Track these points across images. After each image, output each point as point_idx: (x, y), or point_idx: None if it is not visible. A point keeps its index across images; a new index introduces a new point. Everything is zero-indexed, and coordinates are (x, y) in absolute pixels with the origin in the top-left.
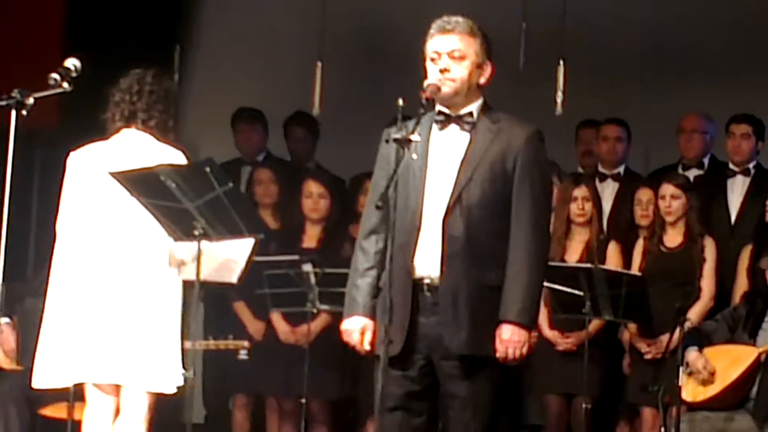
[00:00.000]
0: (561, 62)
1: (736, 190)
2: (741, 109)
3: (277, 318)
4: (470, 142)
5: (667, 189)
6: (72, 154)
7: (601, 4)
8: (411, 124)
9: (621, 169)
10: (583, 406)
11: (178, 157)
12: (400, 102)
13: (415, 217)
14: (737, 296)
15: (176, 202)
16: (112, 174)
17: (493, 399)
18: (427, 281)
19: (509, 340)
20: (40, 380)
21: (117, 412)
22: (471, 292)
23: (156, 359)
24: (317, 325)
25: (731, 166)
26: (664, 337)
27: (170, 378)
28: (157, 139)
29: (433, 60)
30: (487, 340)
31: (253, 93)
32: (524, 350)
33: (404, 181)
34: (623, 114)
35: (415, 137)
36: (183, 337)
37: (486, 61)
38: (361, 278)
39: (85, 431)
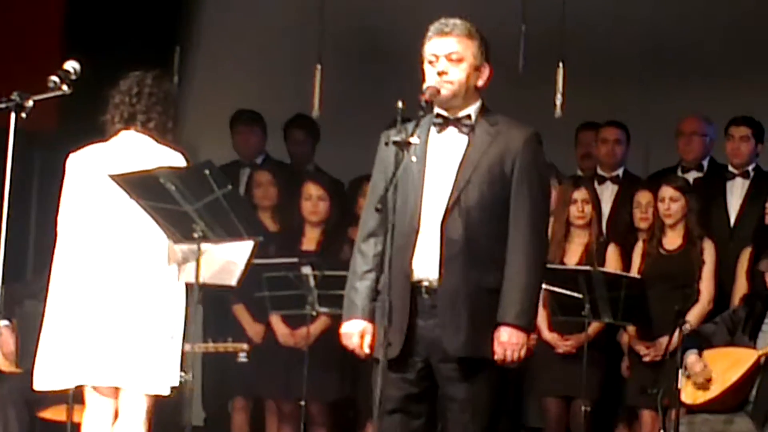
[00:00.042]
0: (560, 64)
1: (736, 193)
2: (740, 110)
3: (276, 320)
4: (468, 145)
5: (667, 191)
6: (71, 155)
7: (600, 5)
8: (410, 126)
9: (620, 172)
10: (583, 408)
11: (177, 159)
12: (400, 104)
13: (413, 220)
14: (737, 299)
15: (175, 205)
16: (112, 177)
17: (492, 401)
18: (425, 284)
19: (507, 342)
20: (41, 382)
21: (116, 414)
22: (469, 294)
23: (154, 362)
24: (316, 327)
25: (730, 168)
26: (663, 340)
27: (168, 380)
28: (157, 140)
29: (431, 62)
30: (486, 343)
31: (253, 94)
32: (522, 352)
33: (403, 183)
34: (623, 116)
35: (414, 140)
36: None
37: (484, 64)
38: (360, 281)
39: None
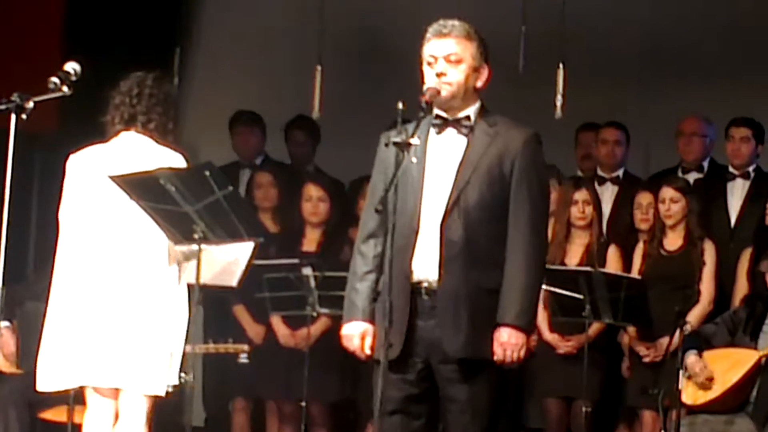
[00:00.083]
0: (560, 65)
1: (736, 194)
2: (740, 111)
3: (277, 321)
4: (468, 146)
5: (667, 192)
6: (71, 156)
7: (600, 6)
8: (410, 127)
9: (620, 173)
10: (583, 409)
11: (177, 160)
12: (400, 105)
13: (413, 221)
14: (737, 299)
15: (176, 206)
16: (112, 178)
17: (492, 402)
18: (425, 285)
19: (507, 342)
20: (44, 383)
21: (117, 415)
22: (469, 295)
23: (153, 363)
24: (317, 328)
25: (731, 169)
26: (663, 341)
27: (166, 381)
28: (157, 141)
29: (429, 64)
30: (486, 344)
31: (253, 95)
32: (522, 353)
33: (402, 184)
34: (623, 117)
35: (414, 141)
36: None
37: (483, 65)
38: (360, 282)
39: None
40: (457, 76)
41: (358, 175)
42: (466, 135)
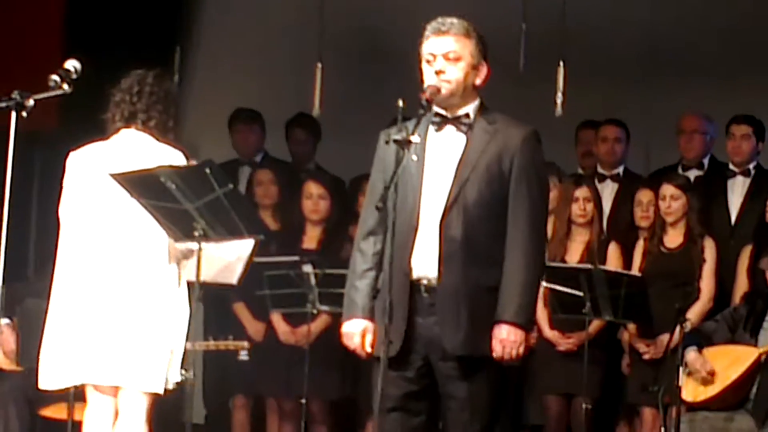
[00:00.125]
0: (561, 63)
1: (736, 191)
2: (739, 109)
3: (277, 319)
4: (467, 144)
5: (668, 190)
6: (71, 154)
7: (600, 4)
8: (410, 125)
9: (620, 170)
10: (583, 406)
11: (177, 158)
12: (400, 103)
13: (412, 218)
14: (737, 297)
15: (176, 203)
16: (112, 175)
17: (492, 399)
18: (424, 282)
19: (506, 340)
20: (46, 381)
21: (117, 413)
22: (468, 292)
23: (152, 360)
24: (317, 325)
25: (731, 166)
26: (664, 338)
27: (164, 379)
28: (157, 139)
29: (428, 62)
30: (485, 341)
31: (253, 93)
32: (521, 350)
33: (402, 182)
34: (623, 114)
35: (415, 138)
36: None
37: (482, 62)
38: (360, 280)
39: None
40: (456, 73)
41: (359, 172)
42: (466, 133)
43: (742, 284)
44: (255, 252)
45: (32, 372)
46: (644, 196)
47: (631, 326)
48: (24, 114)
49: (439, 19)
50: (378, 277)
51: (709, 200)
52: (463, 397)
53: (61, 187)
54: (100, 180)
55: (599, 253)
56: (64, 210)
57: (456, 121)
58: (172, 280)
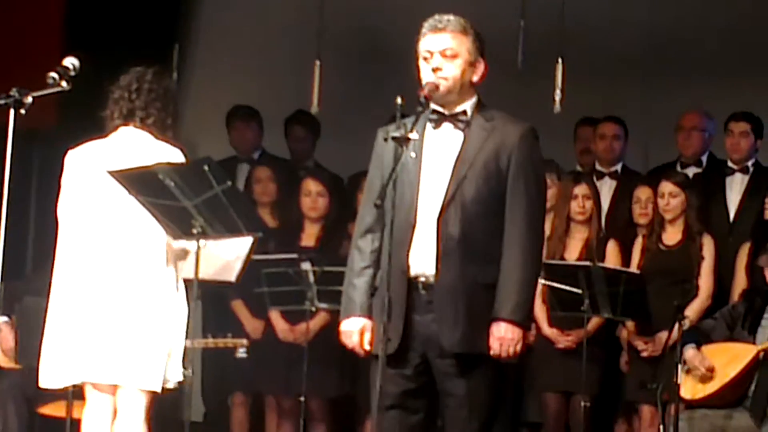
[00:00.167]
0: (559, 60)
1: (735, 188)
2: (739, 108)
3: (275, 316)
4: (464, 141)
5: (666, 187)
6: (70, 152)
7: (599, 2)
8: (409, 122)
9: (618, 167)
10: (582, 404)
11: (175, 156)
12: (399, 100)
13: (410, 216)
14: (736, 294)
15: (175, 201)
16: (111, 173)
17: (490, 396)
18: (422, 279)
19: (503, 337)
20: (46, 380)
21: (116, 411)
22: (466, 290)
23: (149, 359)
24: (316, 323)
25: (730, 164)
26: (662, 335)
27: (161, 377)
28: (156, 137)
29: (425, 59)
30: (482, 338)
31: (252, 91)
32: (518, 347)
33: (400, 179)
34: (622, 112)
35: (413, 135)
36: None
37: (479, 59)
38: (358, 277)
39: (85, 430)
40: (453, 70)
41: (357, 170)
42: (463, 130)
43: (740, 281)
44: (253, 249)
45: (31, 370)
46: (643, 193)
47: (630, 323)
48: (22, 111)
49: (436, 17)
50: (376, 274)
51: (707, 197)
52: (461, 394)
53: (59, 186)
54: (98, 178)
55: (598, 250)
56: (62, 209)
57: (453, 118)
58: (170, 279)
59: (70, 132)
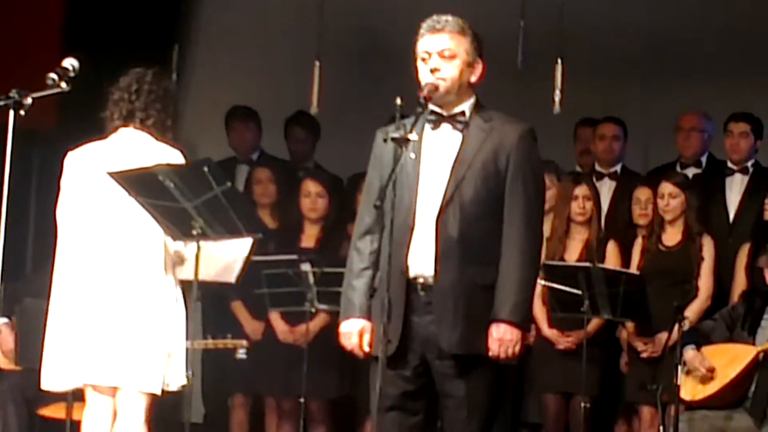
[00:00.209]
0: (559, 61)
1: (735, 189)
2: (739, 108)
3: (275, 317)
4: (463, 141)
5: (666, 188)
6: (69, 153)
7: (599, 2)
8: (408, 123)
9: (618, 168)
10: (582, 405)
11: (175, 157)
12: (398, 101)
13: (408, 217)
14: (736, 295)
15: (174, 202)
16: (110, 174)
17: (489, 397)
18: (421, 280)
19: (501, 338)
20: (48, 382)
21: (116, 413)
22: (465, 291)
23: (149, 361)
24: (316, 324)
25: (729, 164)
26: (662, 336)
27: (167, 379)
28: (155, 138)
29: (423, 60)
30: (481, 339)
31: (251, 91)
32: (517, 348)
33: (399, 180)
34: (621, 112)
35: (412, 136)
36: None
37: (477, 60)
38: (357, 279)
39: None
40: (451, 71)
41: (357, 170)
42: (462, 130)
43: (740, 282)
44: (253, 251)
45: (31, 372)
46: (642, 194)
47: (630, 324)
48: (22, 112)
49: (434, 17)
50: (375, 276)
51: (707, 198)
52: (461, 395)
53: (59, 187)
54: (98, 180)
55: (598, 251)
56: (61, 210)
57: (452, 119)
58: (169, 282)
59: (70, 133)
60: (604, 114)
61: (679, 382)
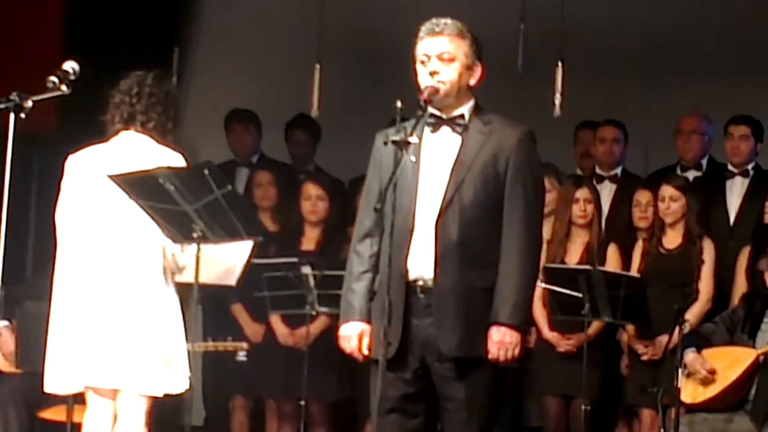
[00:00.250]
0: (559, 63)
1: (735, 192)
2: (739, 109)
3: (276, 320)
4: (462, 145)
5: (667, 191)
6: (70, 156)
7: (599, 4)
8: (409, 126)
9: (618, 171)
10: (582, 407)
11: (177, 160)
12: (399, 104)
13: (408, 220)
14: (736, 298)
15: (175, 205)
16: (111, 177)
17: (489, 400)
18: (420, 283)
19: (501, 341)
20: (51, 385)
21: (116, 415)
22: (464, 293)
23: (149, 363)
24: (316, 327)
25: (730, 167)
26: (662, 339)
27: (165, 381)
28: (157, 141)
29: (422, 62)
30: (480, 342)
31: (252, 93)
32: (516, 351)
33: (399, 183)
34: (622, 115)
35: (413, 139)
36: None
37: (476, 63)
38: (357, 282)
39: None
40: (450, 74)
41: (358, 173)
42: (461, 134)
43: (740, 285)
44: (254, 253)
45: (31, 374)
46: (642, 196)
47: (630, 327)
48: (22, 115)
49: (433, 20)
50: (375, 279)
51: (707, 201)
52: (461, 398)
53: (59, 189)
54: (99, 183)
55: (598, 254)
56: (60, 213)
57: (451, 122)
58: (169, 285)
59: (70, 136)
60: (604, 116)
61: (679, 385)
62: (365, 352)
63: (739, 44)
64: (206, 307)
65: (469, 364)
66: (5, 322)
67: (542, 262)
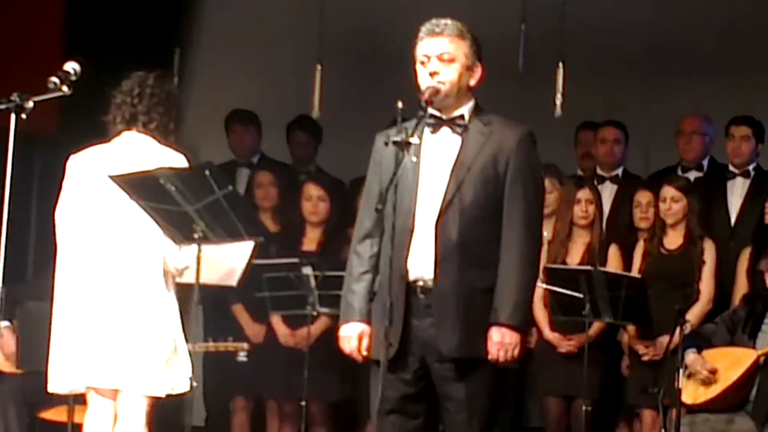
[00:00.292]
0: (560, 64)
1: (736, 192)
2: (740, 109)
3: (276, 321)
4: (462, 145)
5: (668, 191)
6: (72, 157)
7: (600, 5)
8: (409, 126)
9: (619, 172)
10: (583, 408)
11: (178, 160)
12: (399, 105)
13: (408, 220)
14: (737, 298)
15: (176, 206)
16: (112, 177)
17: (489, 401)
18: (420, 283)
19: (500, 342)
20: (55, 385)
21: (117, 415)
22: (464, 294)
23: (150, 364)
24: (317, 327)
25: (731, 168)
26: (663, 339)
27: (165, 381)
28: (158, 141)
29: (422, 63)
30: (480, 343)
31: (252, 93)
32: (516, 351)
33: (399, 184)
34: (623, 115)
35: (414, 140)
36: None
37: (476, 63)
38: (357, 283)
39: None
40: (450, 75)
41: (359, 173)
42: (461, 134)
43: (741, 286)
44: (255, 254)
45: (32, 374)
46: (643, 197)
47: (631, 328)
48: (23, 116)
49: (433, 21)
50: (375, 279)
51: (708, 202)
52: (461, 398)
53: (60, 190)
54: (99, 183)
55: (599, 254)
56: (60, 214)
57: (451, 122)
58: (170, 285)
59: (71, 137)
60: (604, 116)
61: (680, 386)
62: (364, 352)
63: (739, 44)
64: (207, 307)
65: (469, 364)
66: (6, 323)
67: (543, 263)
